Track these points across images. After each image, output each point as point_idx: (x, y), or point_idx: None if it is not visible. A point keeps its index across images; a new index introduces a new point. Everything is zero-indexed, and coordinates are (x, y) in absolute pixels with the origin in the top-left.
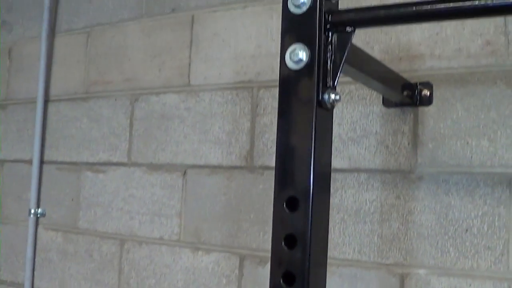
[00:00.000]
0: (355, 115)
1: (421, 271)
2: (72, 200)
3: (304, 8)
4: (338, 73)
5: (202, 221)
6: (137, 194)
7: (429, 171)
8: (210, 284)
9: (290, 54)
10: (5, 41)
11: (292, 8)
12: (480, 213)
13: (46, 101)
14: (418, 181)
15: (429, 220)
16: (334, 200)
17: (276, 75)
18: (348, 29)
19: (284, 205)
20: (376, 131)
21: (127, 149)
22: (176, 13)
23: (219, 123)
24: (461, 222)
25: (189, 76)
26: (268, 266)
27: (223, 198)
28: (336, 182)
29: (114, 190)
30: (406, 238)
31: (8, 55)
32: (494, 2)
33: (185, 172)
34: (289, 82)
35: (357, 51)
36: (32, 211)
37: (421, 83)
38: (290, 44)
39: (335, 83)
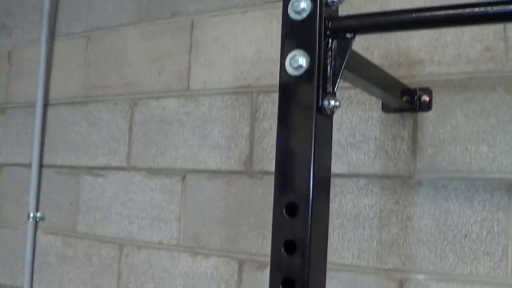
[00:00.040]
0: (355, 120)
1: (420, 277)
2: (71, 204)
3: (304, 15)
4: (338, 79)
5: (201, 226)
6: (136, 199)
7: (428, 176)
8: None
9: (290, 60)
10: (4, 45)
11: (292, 14)
12: (479, 219)
13: (46, 105)
14: (417, 186)
15: (428, 225)
16: (333, 205)
17: (275, 80)
18: (348, 35)
19: (284, 211)
20: (376, 137)
21: (127, 154)
22: (176, 18)
23: (219, 128)
24: (460, 227)
25: (188, 81)
26: (267, 271)
27: (222, 202)
28: (335, 187)
29: (113, 194)
30: (405, 244)
31: (8, 58)
32: (493, 9)
33: (184, 176)
34: (289, 88)
35: (357, 57)
36: (31, 215)
37: (420, 89)
38: (290, 50)
39: (335, 89)
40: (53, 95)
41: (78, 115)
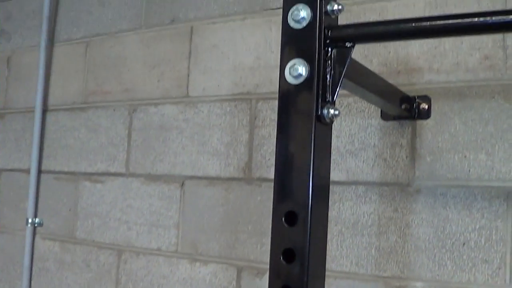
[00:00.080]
0: (354, 127)
1: (418, 284)
2: (70, 210)
3: (304, 23)
4: (337, 88)
5: (199, 232)
6: (135, 205)
7: (426, 184)
8: None
9: (289, 69)
10: (3, 50)
11: (292, 23)
12: (477, 227)
13: (45, 111)
14: (415, 194)
15: (427, 233)
16: (332, 212)
17: (274, 87)
18: (348, 44)
19: (283, 220)
20: (374, 144)
21: (125, 160)
22: (175, 24)
23: (218, 135)
24: (458, 235)
25: (187, 87)
26: (265, 278)
27: (221, 209)
28: (334, 194)
29: (112, 201)
30: (403, 251)
31: (7, 64)
32: (493, 19)
33: (183, 183)
34: (288, 96)
35: (356, 65)
36: (30, 220)
37: (419, 97)
38: (289, 59)
39: (334, 98)
40: (52, 100)
41: (77, 121)
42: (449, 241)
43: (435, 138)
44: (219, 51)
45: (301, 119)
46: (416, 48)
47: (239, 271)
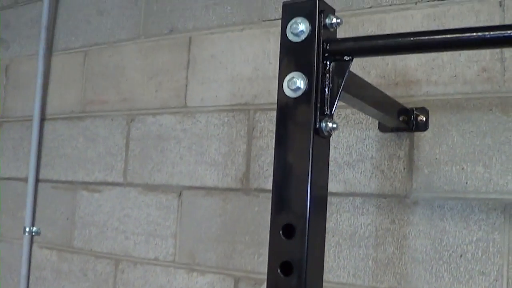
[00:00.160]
0: (351, 139)
1: None
2: (67, 219)
3: (303, 37)
4: (336, 101)
5: (197, 242)
6: (132, 214)
7: (424, 196)
8: None
9: (288, 82)
10: (2, 58)
11: (290, 36)
12: (474, 239)
13: (42, 120)
14: (413, 206)
15: (424, 245)
16: (329, 223)
17: (273, 98)
18: (346, 58)
19: (281, 233)
20: (372, 156)
21: (123, 169)
22: (174, 34)
23: (215, 145)
24: (455, 247)
25: (185, 98)
26: None
27: (218, 220)
28: (332, 205)
29: (109, 210)
30: (400, 263)
31: (5, 72)
32: (491, 34)
33: (180, 193)
34: (286, 109)
35: (354, 78)
36: (27, 229)
37: (417, 109)
38: (288, 72)
39: (333, 111)
40: (50, 109)
41: (75, 130)
42: (446, 253)
43: (433, 150)
44: (217, 61)
45: (299, 132)
46: (414, 60)
47: (236, 281)
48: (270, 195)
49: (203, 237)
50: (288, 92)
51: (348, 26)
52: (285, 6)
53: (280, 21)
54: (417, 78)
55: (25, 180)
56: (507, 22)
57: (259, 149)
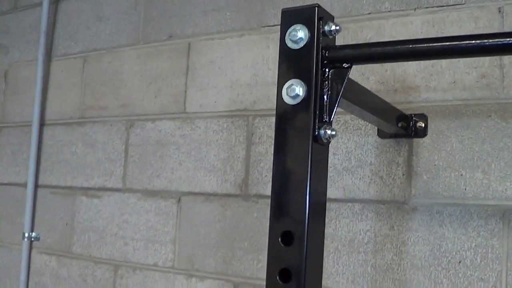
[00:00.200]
0: (350, 145)
1: None
2: (66, 224)
3: (301, 44)
4: (335, 108)
5: (196, 248)
6: (131, 220)
7: (423, 202)
8: None
9: (287, 89)
10: (1, 64)
11: (289, 43)
12: (473, 245)
13: (42, 125)
14: (412, 212)
15: (423, 251)
16: (328, 229)
17: (272, 104)
18: (345, 65)
19: (279, 239)
20: (371, 162)
21: (122, 175)
22: (173, 40)
23: (215, 151)
24: (454, 253)
25: (185, 103)
26: None
27: (217, 225)
28: (331, 211)
29: (108, 216)
30: (399, 269)
31: (4, 77)
32: (489, 41)
33: (179, 199)
34: (285, 117)
35: (353, 85)
36: (26, 234)
37: (416, 115)
38: (287, 79)
39: (331, 118)
40: (49, 115)
41: (74, 135)
42: (445, 259)
43: (432, 156)
44: (217, 67)
45: (298, 140)
46: (413, 66)
47: (235, 287)
48: (269, 201)
49: (202, 242)
50: (287, 99)
51: (347, 32)
52: (284, 13)
53: (279, 27)
54: (416, 84)
55: (24, 185)
56: (506, 29)
57: (258, 155)
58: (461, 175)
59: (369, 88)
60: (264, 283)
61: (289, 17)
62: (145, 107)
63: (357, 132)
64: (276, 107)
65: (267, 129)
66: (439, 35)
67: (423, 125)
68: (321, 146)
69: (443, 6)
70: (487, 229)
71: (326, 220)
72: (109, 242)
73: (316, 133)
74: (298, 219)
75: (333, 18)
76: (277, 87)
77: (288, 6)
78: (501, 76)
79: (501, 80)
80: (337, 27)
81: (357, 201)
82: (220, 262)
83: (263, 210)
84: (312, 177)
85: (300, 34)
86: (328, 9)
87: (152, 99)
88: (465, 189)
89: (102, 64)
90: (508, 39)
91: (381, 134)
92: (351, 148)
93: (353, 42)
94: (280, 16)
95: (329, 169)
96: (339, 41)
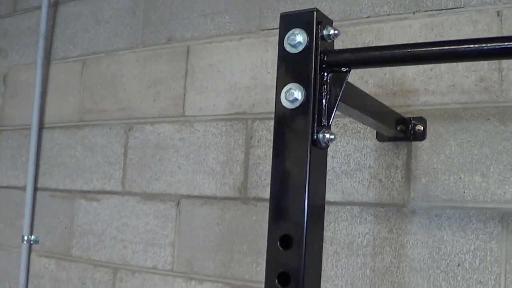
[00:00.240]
0: (349, 148)
1: None
2: (66, 227)
3: (300, 48)
4: (333, 112)
5: (195, 251)
6: (130, 223)
7: (422, 205)
8: None
9: (285, 93)
10: (0, 67)
11: (288, 48)
12: (472, 248)
13: (41, 128)
14: (411, 215)
15: (422, 254)
16: (327, 232)
17: (271, 107)
18: (344, 69)
19: (278, 243)
20: (370, 165)
21: (121, 178)
22: (172, 44)
23: (214, 154)
24: (453, 256)
25: (184, 107)
26: None
27: (216, 228)
28: (329, 214)
29: (107, 219)
30: (398, 272)
31: (3, 81)
32: (488, 45)
33: (178, 202)
34: (284, 121)
35: (352, 88)
36: (25, 237)
37: (415, 118)
38: (285, 83)
39: (330, 122)
40: (48, 118)
41: (73, 138)
42: (444, 262)
43: (431, 159)
44: (215, 70)
45: (296, 143)
46: (412, 70)
47: None
48: (268, 204)
49: (201, 245)
50: (285, 103)
51: (346, 36)
52: (282, 17)
53: (278, 30)
54: (415, 87)
55: (24, 188)
56: (505, 32)
57: (257, 158)
58: (460, 178)
59: (368, 92)
60: (263, 286)
61: (288, 21)
62: (144, 110)
63: (356, 135)
64: (275, 111)
65: (266, 133)
66: (438, 38)
67: (422, 128)
68: (320, 150)
69: (442, 9)
70: (486, 232)
71: (325, 223)
72: (108, 245)
73: (315, 137)
74: (296, 223)
75: (332, 22)
76: (276, 91)
77: (287, 10)
78: (500, 80)
79: (500, 84)
80: (336, 31)
81: (356, 204)
82: (219, 265)
83: (262, 213)
84: (310, 181)
85: (298, 38)
86: (327, 12)
87: (151, 102)
88: (464, 192)
89: (101, 67)
90: (506, 43)
91: (380, 137)
92: (350, 151)
93: (352, 46)
94: (279, 19)
95: (328, 172)
96: (338, 44)
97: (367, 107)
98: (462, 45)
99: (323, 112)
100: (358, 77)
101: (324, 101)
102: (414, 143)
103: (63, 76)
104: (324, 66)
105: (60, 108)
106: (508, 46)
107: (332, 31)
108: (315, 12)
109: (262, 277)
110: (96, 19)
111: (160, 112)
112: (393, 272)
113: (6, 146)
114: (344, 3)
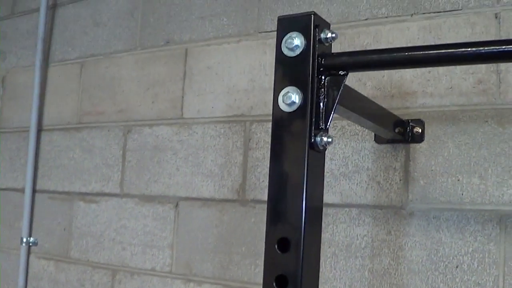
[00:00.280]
0: (347, 150)
1: None
2: (64, 229)
3: (298, 51)
4: (331, 115)
5: (194, 253)
6: (129, 225)
7: (420, 207)
8: None
9: (283, 96)
10: None
11: (285, 51)
12: (470, 250)
13: (39, 130)
14: (409, 217)
15: (420, 256)
16: (325, 234)
17: (269, 110)
18: (341, 72)
19: (276, 246)
20: (368, 167)
21: (120, 180)
22: (170, 46)
23: (212, 156)
24: (451, 258)
25: (182, 109)
26: None
27: (215, 230)
28: (328, 217)
29: (106, 221)
30: (397, 274)
31: (2, 83)
32: (485, 49)
33: (177, 204)
34: (282, 124)
35: (350, 91)
36: (24, 239)
37: (413, 120)
38: (283, 87)
39: (328, 125)
40: (47, 120)
41: (72, 141)
42: (442, 264)
43: (429, 161)
44: (214, 73)
45: (294, 147)
46: (410, 72)
47: None
48: (266, 206)
49: (200, 247)
50: (283, 106)
51: (344, 38)
52: (280, 20)
53: (276, 33)
54: (413, 90)
55: (22, 190)
56: (502, 34)
57: (256, 160)
58: (458, 180)
59: (366, 94)
60: None
61: (285, 25)
62: (143, 112)
63: (354, 137)
64: (273, 115)
65: (264, 135)
66: (436, 41)
67: (420, 130)
68: (318, 153)
69: (440, 12)
70: (484, 234)
71: (323, 225)
72: (107, 247)
73: (312, 140)
74: (294, 226)
75: (329, 25)
76: (273, 94)
77: (285, 12)
78: (497, 82)
79: (498, 86)
80: (333, 35)
81: (354, 206)
82: (218, 267)
83: (260, 215)
84: (308, 184)
85: (296, 41)
86: (325, 14)
87: (150, 104)
88: (462, 194)
89: (99, 69)
90: (504, 47)
91: (378, 139)
92: (348, 153)
93: (350, 48)
94: (277, 21)
95: (326, 174)
96: (336, 46)
97: (365, 110)
98: (460, 48)
99: (321, 116)
100: (356, 80)
101: (321, 104)
102: (412, 145)
103: (61, 78)
104: (321, 69)
105: (58, 110)
106: (506, 49)
107: (329, 35)
108: (312, 16)
109: (260, 279)
110: (94, 22)
111: (158, 114)
112: (392, 274)
113: (5, 148)
114: (342, 6)
